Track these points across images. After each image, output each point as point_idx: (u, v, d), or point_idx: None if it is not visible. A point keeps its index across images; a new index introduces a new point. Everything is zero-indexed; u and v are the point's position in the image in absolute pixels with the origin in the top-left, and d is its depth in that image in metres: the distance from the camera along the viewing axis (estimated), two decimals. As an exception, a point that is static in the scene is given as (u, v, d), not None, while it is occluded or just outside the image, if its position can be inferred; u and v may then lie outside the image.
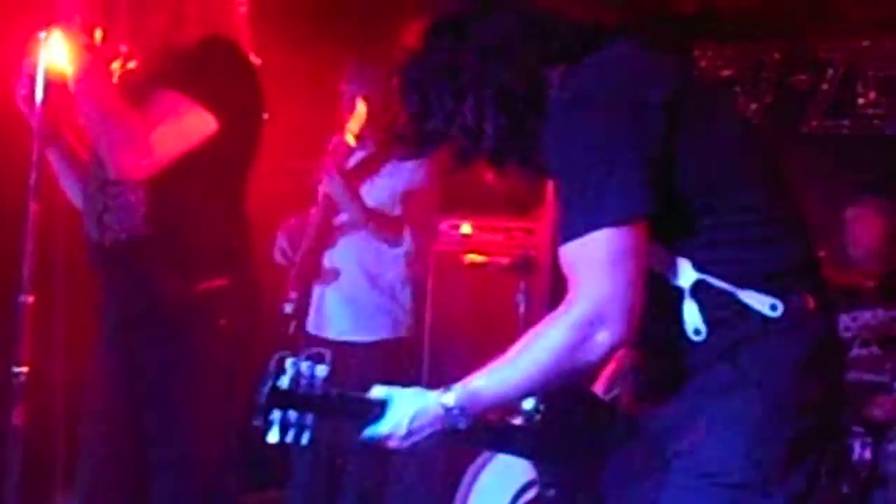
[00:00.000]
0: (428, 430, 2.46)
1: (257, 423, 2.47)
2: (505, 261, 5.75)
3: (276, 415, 2.46)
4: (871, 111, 6.47)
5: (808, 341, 2.36)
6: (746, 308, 2.34)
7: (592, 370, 2.35)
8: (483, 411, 2.42)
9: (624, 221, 2.26)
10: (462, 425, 2.42)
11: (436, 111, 2.47)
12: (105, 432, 3.50)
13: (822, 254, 4.87)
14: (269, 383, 2.46)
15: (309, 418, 2.48)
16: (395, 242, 5.15)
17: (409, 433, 2.46)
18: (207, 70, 3.36)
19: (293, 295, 5.09)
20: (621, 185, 2.26)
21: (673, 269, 2.36)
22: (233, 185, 3.50)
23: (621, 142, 2.28)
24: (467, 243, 6.16)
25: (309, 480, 5.18)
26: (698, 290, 2.35)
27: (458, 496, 4.72)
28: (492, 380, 2.38)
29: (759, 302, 2.34)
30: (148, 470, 3.43)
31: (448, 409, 2.41)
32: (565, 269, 2.31)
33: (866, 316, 5.40)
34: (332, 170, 4.95)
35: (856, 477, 4.84)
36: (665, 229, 2.32)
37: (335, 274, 5.15)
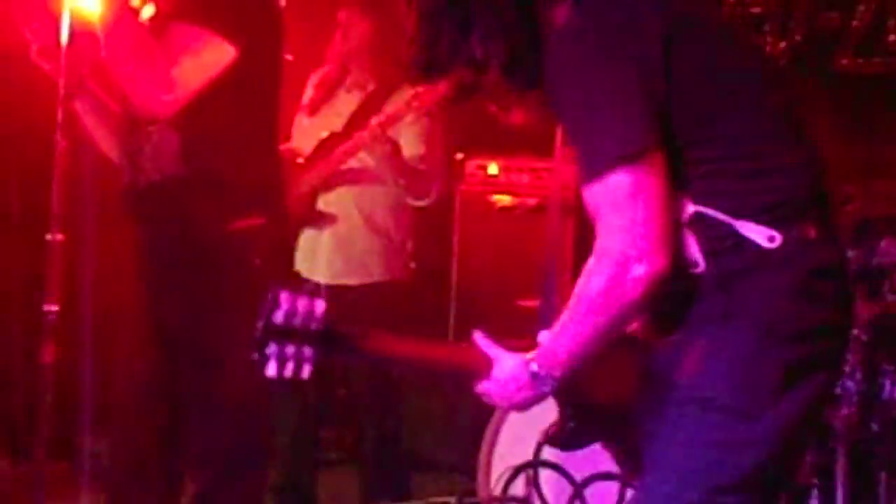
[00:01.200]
0: (526, 395, 2.48)
1: (255, 357, 2.48)
2: (532, 201, 5.74)
3: (272, 349, 2.47)
4: (902, 48, 6.41)
5: (806, 271, 2.36)
6: (744, 239, 2.34)
7: (646, 304, 2.34)
8: (564, 370, 2.43)
9: (634, 158, 2.27)
10: (547, 388, 2.44)
11: (443, 40, 2.47)
12: (137, 370, 3.51)
13: (850, 189, 4.87)
14: (265, 316, 2.47)
15: (308, 351, 2.48)
16: (424, 196, 5.14)
17: (510, 400, 2.50)
18: (224, 0, 3.34)
19: None
20: (628, 121, 2.28)
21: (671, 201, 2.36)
22: (262, 121, 3.50)
23: (623, 78, 2.29)
24: (494, 183, 6.14)
25: (297, 427, 5.15)
26: (696, 221, 2.36)
27: (487, 433, 4.71)
28: (560, 338, 2.41)
29: (756, 233, 2.34)
30: (181, 407, 3.45)
31: (534, 374, 2.44)
32: (590, 212, 2.33)
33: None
34: (384, 135, 4.92)
35: (886, 415, 4.83)
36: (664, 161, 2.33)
37: (332, 218, 5.11)
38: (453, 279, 6.09)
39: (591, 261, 2.34)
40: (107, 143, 3.63)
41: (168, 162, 3.39)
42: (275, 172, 3.56)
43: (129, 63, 3.25)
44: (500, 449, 4.66)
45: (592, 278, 2.33)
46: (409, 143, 5.06)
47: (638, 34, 2.31)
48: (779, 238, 2.34)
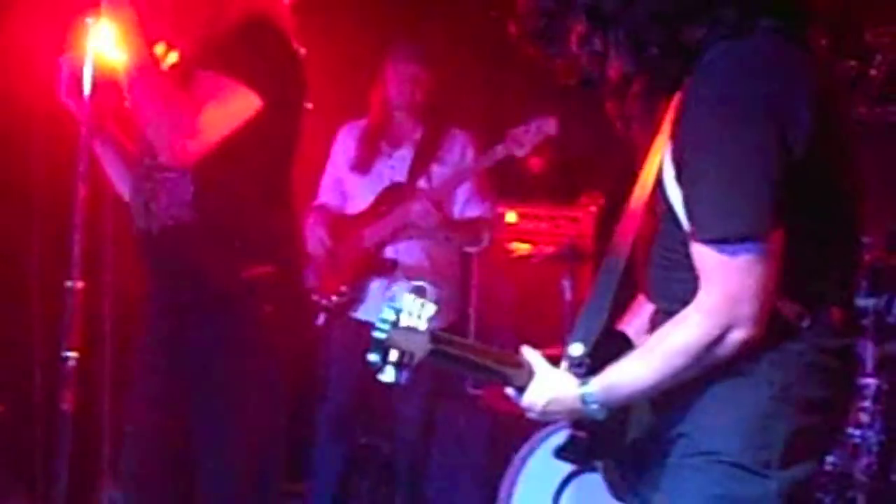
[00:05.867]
0: (563, 416, 2.55)
1: (374, 358, 2.43)
2: (550, 249, 5.74)
3: (393, 354, 2.44)
4: (921, 97, 6.40)
5: (826, 351, 2.41)
6: (776, 314, 2.37)
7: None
8: (619, 404, 2.47)
9: (760, 236, 2.30)
10: (599, 416, 2.48)
11: (568, 32, 2.47)
12: (151, 419, 3.51)
13: (867, 239, 4.86)
14: (390, 320, 2.44)
15: (417, 359, 2.45)
16: (474, 244, 5.27)
17: (544, 413, 2.54)
18: (249, 50, 3.36)
19: (343, 288, 5.11)
20: (760, 198, 2.29)
21: None
22: (278, 171, 3.51)
23: (762, 154, 2.30)
24: (512, 231, 6.15)
25: (339, 470, 5.19)
26: None
27: (504, 482, 4.72)
28: (626, 374, 2.44)
29: (787, 309, 2.38)
30: (193, 455, 3.45)
31: (586, 402, 2.47)
32: (698, 265, 2.36)
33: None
34: (429, 205, 5.05)
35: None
36: None
37: (403, 268, 5.17)
38: (471, 327, 6.09)
39: (691, 313, 2.36)
40: (119, 183, 3.66)
41: (181, 208, 3.40)
42: (288, 221, 3.57)
43: (154, 110, 3.27)
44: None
45: (688, 329, 2.36)
46: (466, 196, 5.18)
47: (786, 114, 2.31)
48: (807, 318, 2.39)
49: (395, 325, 2.44)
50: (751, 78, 2.33)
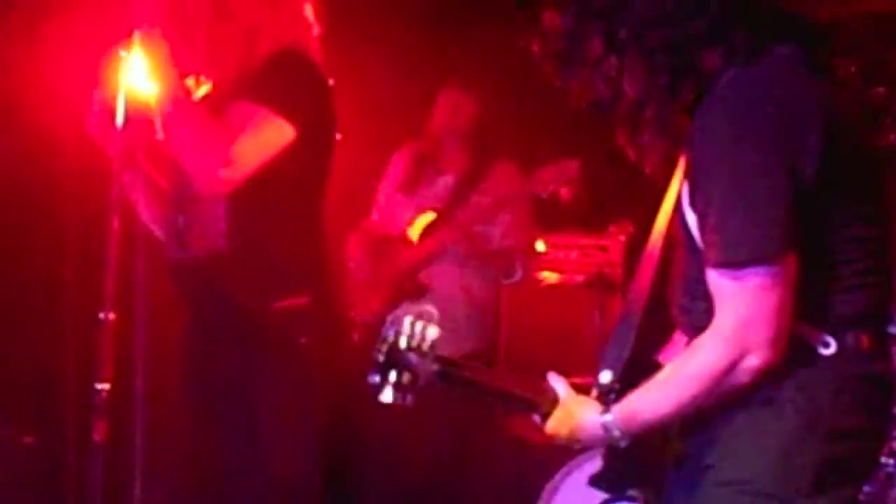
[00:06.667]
0: (587, 444, 2.60)
1: (373, 379, 2.48)
2: (580, 278, 5.74)
3: (392, 374, 2.48)
4: (950, 124, 6.39)
5: (853, 375, 2.39)
6: (799, 340, 2.36)
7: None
8: (643, 430, 2.47)
9: (772, 259, 2.29)
10: (623, 443, 2.49)
11: (585, 55, 2.49)
12: (186, 449, 3.51)
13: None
14: (389, 341, 2.48)
15: (421, 381, 2.51)
16: (508, 275, 5.28)
17: (568, 441, 2.57)
18: (281, 80, 3.39)
19: (378, 308, 5.14)
20: (772, 221, 2.29)
21: None
22: (311, 201, 3.52)
23: (773, 179, 2.30)
24: (542, 261, 6.15)
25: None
26: None
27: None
28: (647, 402, 2.45)
29: (812, 336, 2.38)
30: (227, 488, 3.45)
31: (608, 429, 2.48)
32: (712, 290, 2.36)
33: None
34: (461, 233, 5.15)
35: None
36: None
37: (436, 292, 5.19)
38: (501, 356, 6.08)
39: (709, 339, 2.36)
40: (152, 219, 3.67)
41: (214, 239, 3.41)
42: (321, 251, 3.58)
43: (188, 141, 3.29)
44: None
45: (704, 356, 2.36)
46: (505, 228, 5.29)
47: (798, 141, 2.31)
48: (833, 345, 2.37)
49: (394, 346, 2.49)
50: (758, 104, 2.33)
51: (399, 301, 5.20)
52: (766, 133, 2.31)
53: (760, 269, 2.29)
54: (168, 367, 3.60)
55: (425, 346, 2.51)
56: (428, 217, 5.33)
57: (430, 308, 2.51)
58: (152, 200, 3.62)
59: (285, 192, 3.41)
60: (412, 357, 2.50)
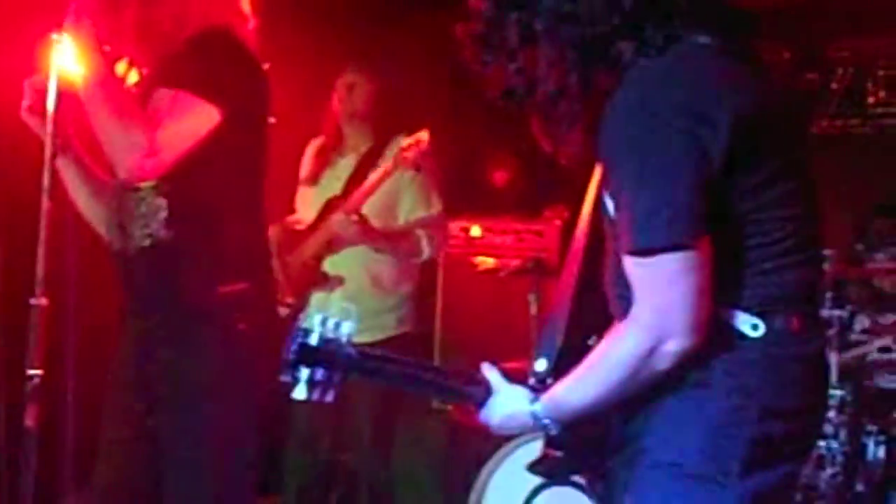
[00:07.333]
0: (520, 431, 2.64)
1: (285, 378, 2.52)
2: (515, 263, 5.76)
3: (303, 372, 2.52)
4: (880, 110, 6.48)
5: (785, 358, 2.40)
6: (726, 325, 2.38)
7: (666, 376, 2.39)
8: (569, 420, 2.49)
9: (682, 243, 2.29)
10: (553, 431, 2.52)
11: (502, 43, 2.48)
12: (122, 434, 3.49)
13: (829, 251, 4.91)
14: (298, 339, 2.52)
15: (336, 377, 2.54)
16: (416, 254, 5.22)
17: (500, 429, 2.60)
18: (205, 61, 3.34)
19: (290, 300, 5.12)
20: (680, 207, 2.28)
21: None
22: (248, 187, 3.50)
23: (680, 161, 2.29)
24: (477, 246, 6.17)
25: (306, 483, 5.20)
26: None
27: (473, 496, 4.72)
28: (572, 391, 2.46)
29: (740, 321, 2.38)
30: (163, 474, 3.43)
31: (538, 418, 2.50)
32: (629, 277, 2.36)
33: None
34: (345, 216, 5.05)
35: (870, 476, 4.85)
36: None
37: (339, 280, 5.17)
38: (436, 341, 6.10)
39: (624, 327, 2.38)
40: (90, 210, 3.63)
41: (156, 228, 3.39)
42: (260, 237, 3.56)
43: (110, 128, 3.26)
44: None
45: (622, 343, 2.36)
46: (408, 206, 5.17)
47: (704, 121, 2.30)
48: (762, 327, 2.38)
49: (303, 344, 2.52)
50: (664, 89, 2.34)
51: (308, 291, 5.19)
52: (672, 116, 2.30)
53: (671, 256, 2.29)
54: (107, 351, 3.57)
55: (340, 342, 2.54)
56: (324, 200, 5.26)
57: (347, 305, 2.55)
58: (85, 189, 3.58)
59: (220, 176, 3.38)
60: (323, 354, 2.53)
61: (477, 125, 6.28)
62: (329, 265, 5.18)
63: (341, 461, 5.35)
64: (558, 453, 2.59)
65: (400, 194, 5.22)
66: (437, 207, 5.27)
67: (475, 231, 6.18)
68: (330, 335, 2.54)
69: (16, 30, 3.83)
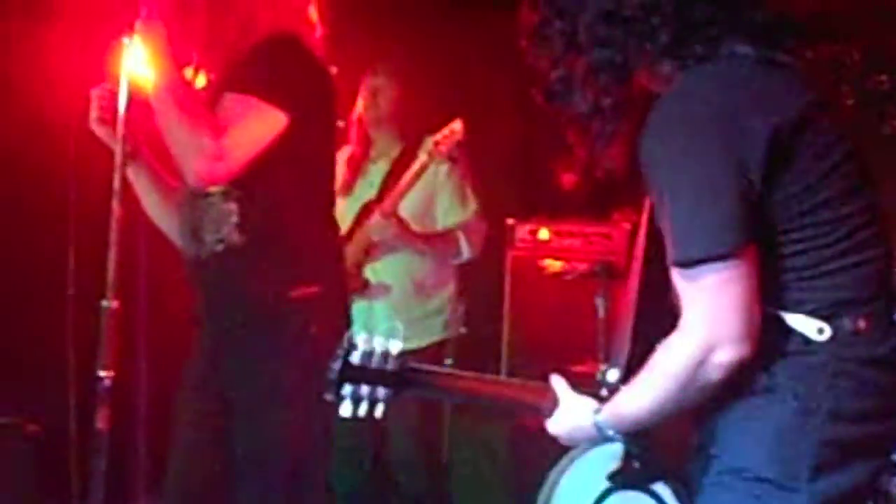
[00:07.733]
0: (587, 441, 2.66)
1: (330, 397, 2.57)
2: (583, 266, 5.73)
3: (347, 389, 2.56)
4: (953, 111, 6.38)
5: (852, 358, 2.38)
6: (791, 331, 2.37)
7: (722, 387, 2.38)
8: (630, 430, 2.51)
9: (726, 254, 2.29)
10: (619, 442, 2.54)
11: (547, 51, 2.51)
12: (195, 436, 3.52)
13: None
14: (341, 357, 2.56)
15: (381, 392, 2.58)
16: (455, 256, 5.20)
17: (570, 441, 2.65)
18: (272, 66, 3.37)
19: None
20: (722, 216, 2.29)
21: None
22: (317, 189, 3.52)
23: (719, 172, 2.30)
24: (545, 249, 6.15)
25: (353, 492, 5.18)
26: None
27: (541, 497, 4.69)
28: (629, 402, 2.47)
29: (805, 325, 2.37)
30: (235, 477, 3.45)
31: (600, 429, 2.52)
32: (678, 289, 2.36)
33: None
34: (382, 220, 5.02)
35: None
36: None
37: (383, 287, 5.15)
38: (504, 344, 6.08)
39: (676, 337, 2.36)
40: (161, 217, 3.66)
41: (229, 233, 3.41)
42: (331, 240, 3.58)
43: (178, 133, 3.28)
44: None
45: (675, 354, 2.36)
46: (445, 205, 5.17)
47: (744, 130, 2.31)
48: (828, 330, 2.37)
49: (346, 362, 2.57)
50: (703, 101, 2.35)
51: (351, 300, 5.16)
52: (710, 130, 2.31)
53: (714, 266, 2.29)
54: (171, 354, 3.60)
55: (385, 358, 2.59)
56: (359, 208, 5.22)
57: (393, 323, 2.59)
58: (155, 195, 3.61)
59: (289, 180, 3.40)
60: (367, 371, 2.57)
61: (546, 128, 6.26)
62: (371, 273, 5.16)
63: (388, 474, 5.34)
64: (636, 463, 2.59)
65: (436, 194, 5.20)
66: (473, 206, 5.25)
67: (543, 234, 6.15)
68: (374, 351, 2.58)
69: (87, 36, 3.86)
